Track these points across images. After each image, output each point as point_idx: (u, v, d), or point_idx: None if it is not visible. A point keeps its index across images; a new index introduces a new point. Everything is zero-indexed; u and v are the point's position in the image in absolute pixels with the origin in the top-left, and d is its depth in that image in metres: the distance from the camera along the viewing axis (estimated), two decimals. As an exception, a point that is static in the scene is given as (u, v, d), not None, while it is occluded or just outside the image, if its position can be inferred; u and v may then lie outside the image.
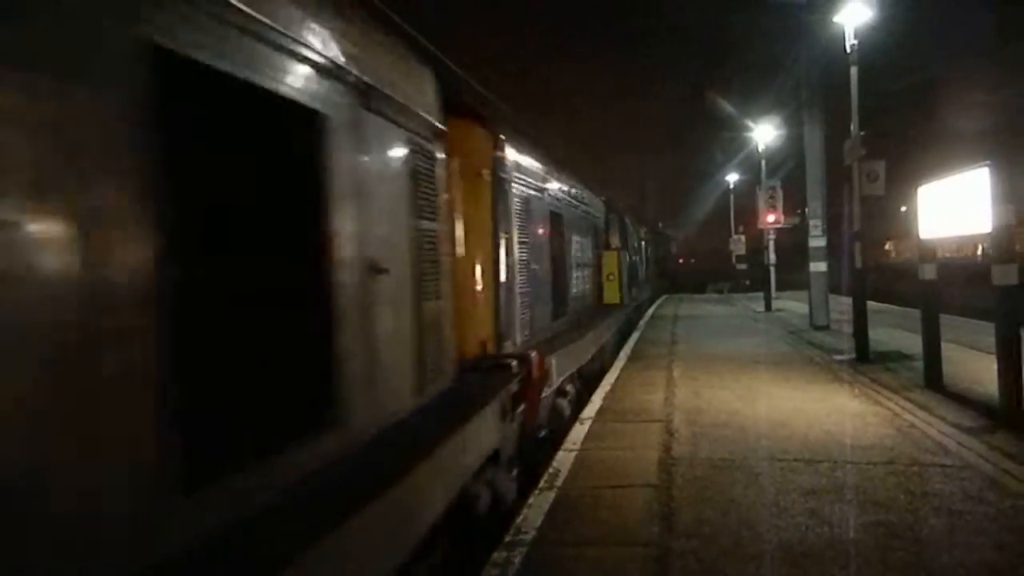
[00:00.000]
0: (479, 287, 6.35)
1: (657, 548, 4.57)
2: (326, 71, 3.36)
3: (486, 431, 5.05)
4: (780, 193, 22.72)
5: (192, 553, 2.19)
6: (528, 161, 8.05)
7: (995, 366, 7.44)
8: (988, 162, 7.46)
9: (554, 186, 9.60)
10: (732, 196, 43.76)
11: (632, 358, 13.41)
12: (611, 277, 14.20)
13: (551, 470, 6.32)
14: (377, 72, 3.95)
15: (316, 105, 3.28)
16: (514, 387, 5.88)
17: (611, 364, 12.47)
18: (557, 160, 10.38)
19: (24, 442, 1.74)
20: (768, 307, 24.20)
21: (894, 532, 4.71)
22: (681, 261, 63.35)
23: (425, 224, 4.69)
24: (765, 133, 26.16)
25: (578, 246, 11.41)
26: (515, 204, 7.25)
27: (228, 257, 2.83)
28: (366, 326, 3.71)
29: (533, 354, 6.39)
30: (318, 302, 3.31)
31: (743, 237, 38.68)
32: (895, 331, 14.75)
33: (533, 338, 7.64)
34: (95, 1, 2.01)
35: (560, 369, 7.88)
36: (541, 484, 5.93)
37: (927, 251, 9.37)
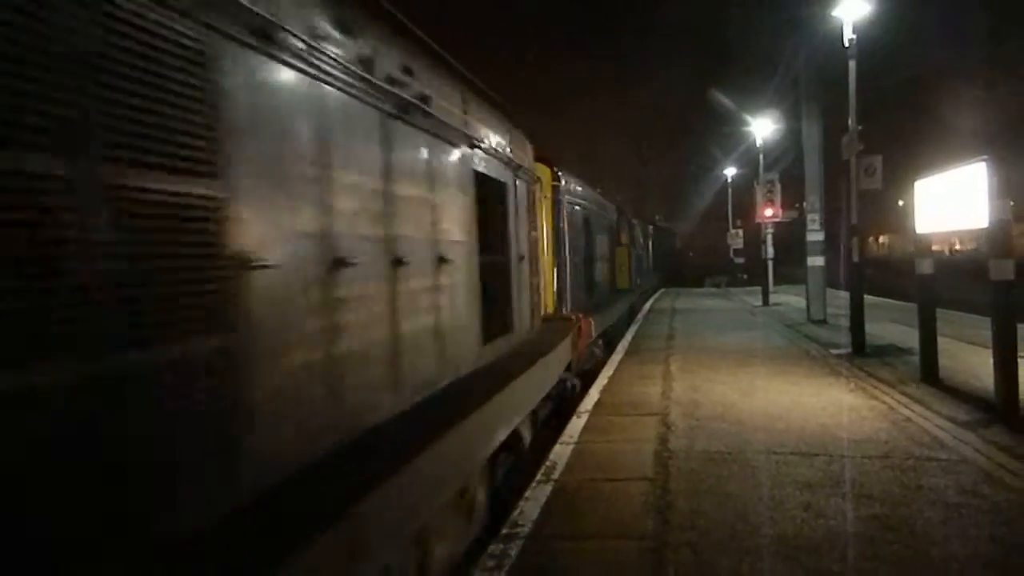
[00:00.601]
0: (549, 271, 9.75)
1: (653, 541, 4.59)
2: (506, 163, 6.93)
3: (566, 351, 8.42)
4: (778, 187, 22.65)
5: (486, 364, 5.81)
6: (571, 184, 11.52)
7: (991, 360, 7.45)
8: (986, 157, 7.45)
9: (585, 199, 13.08)
10: (730, 190, 43.74)
11: (629, 352, 13.41)
12: (622, 267, 17.95)
13: (548, 463, 6.33)
14: (518, 155, 7.48)
15: (504, 180, 6.91)
16: (574, 332, 9.16)
17: (619, 339, 14.79)
18: (586, 178, 14.35)
19: (466, 319, 5.41)
20: (766, 301, 24.18)
21: (889, 525, 4.72)
22: (688, 255, 63.46)
23: (532, 233, 8.24)
24: (763, 127, 26.13)
25: (600, 243, 15.11)
26: (565, 216, 10.77)
27: (488, 253, 6.26)
28: (518, 288, 7.24)
29: (581, 315, 10.19)
30: (507, 274, 6.92)
31: (741, 231, 38.64)
32: (892, 325, 14.77)
33: (575, 308, 11.02)
34: (466, 164, 5.64)
35: (595, 328, 11.55)
36: (538, 477, 5.94)
37: (924, 245, 9.37)
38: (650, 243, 32.46)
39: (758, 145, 26.00)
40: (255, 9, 2.79)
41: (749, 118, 27.75)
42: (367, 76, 3.75)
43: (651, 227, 33.29)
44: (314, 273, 3.22)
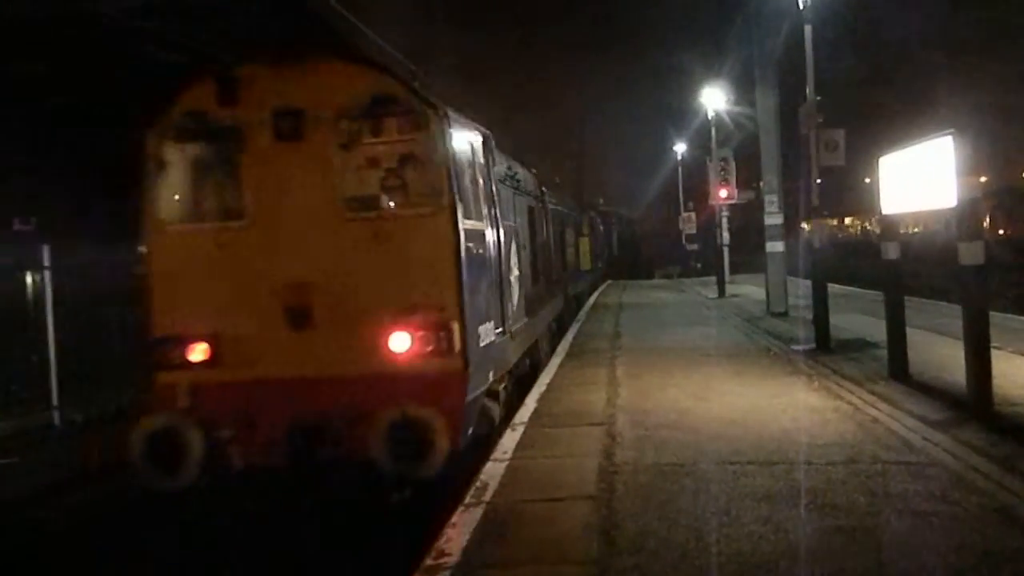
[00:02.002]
0: (544, 252, 15.53)
1: (596, 566, 4.64)
2: (534, 197, 14.58)
3: (561, 298, 18.06)
4: (733, 165, 23.04)
5: (539, 292, 13.64)
6: (550, 194, 17.43)
7: (963, 353, 7.71)
8: (951, 130, 7.65)
9: (559, 203, 19.85)
10: (680, 169, 44.32)
11: (571, 354, 13.55)
12: (585, 252, 25.33)
13: (478, 484, 6.33)
14: (536, 190, 15.20)
15: (534, 206, 14.30)
16: (563, 289, 18.93)
17: (581, 301, 23.47)
18: (559, 187, 25.14)
19: (529, 271, 12.97)
20: (721, 292, 24.65)
21: (854, 538, 4.88)
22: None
23: (541, 230, 15.10)
24: (715, 98, 26.52)
25: (570, 234, 22.12)
26: (549, 217, 16.19)
27: (533, 241, 13.95)
28: (540, 260, 14.21)
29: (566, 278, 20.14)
30: (536, 252, 13.82)
31: (693, 215, 39.30)
32: (859, 316, 15.21)
33: (556, 277, 17.03)
34: (527, 204, 13.78)
35: (573, 289, 21.94)
36: (467, 499, 5.95)
37: (890, 228, 9.65)
38: (612, 232, 42.55)
39: (710, 118, 26.41)
40: (510, 172, 11.49)
41: (701, 89, 28.14)
42: (513, 180, 11.23)
43: (612, 219, 43.36)
44: (521, 248, 11.15)
